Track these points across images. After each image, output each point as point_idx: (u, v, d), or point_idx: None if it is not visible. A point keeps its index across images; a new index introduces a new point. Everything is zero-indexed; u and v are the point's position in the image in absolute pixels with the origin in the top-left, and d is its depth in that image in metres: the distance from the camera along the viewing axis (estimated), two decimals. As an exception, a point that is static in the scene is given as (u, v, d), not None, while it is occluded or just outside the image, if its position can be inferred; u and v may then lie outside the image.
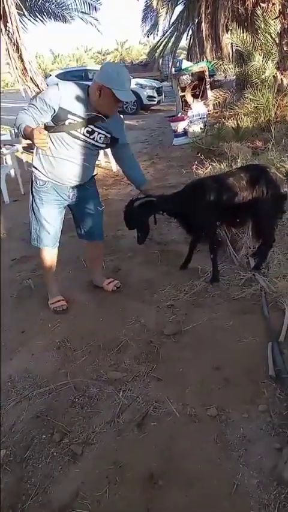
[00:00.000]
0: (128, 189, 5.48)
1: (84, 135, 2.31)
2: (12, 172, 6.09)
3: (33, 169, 2.49)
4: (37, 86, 3.44)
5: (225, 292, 2.79)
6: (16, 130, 2.17)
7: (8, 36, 4.12)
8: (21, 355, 2.40)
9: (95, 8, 8.50)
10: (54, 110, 2.18)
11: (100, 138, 2.38)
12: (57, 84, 2.24)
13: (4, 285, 3.21)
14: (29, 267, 3.54)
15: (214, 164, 4.79)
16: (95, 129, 2.33)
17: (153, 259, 3.41)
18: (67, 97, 2.19)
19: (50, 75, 14.88)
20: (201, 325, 2.45)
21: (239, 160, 4.57)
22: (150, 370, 2.14)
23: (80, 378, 2.15)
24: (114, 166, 6.54)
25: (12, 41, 4.35)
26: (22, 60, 4.73)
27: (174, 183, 5.20)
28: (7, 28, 3.59)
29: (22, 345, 2.48)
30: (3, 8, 2.94)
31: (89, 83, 2.27)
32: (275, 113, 7.29)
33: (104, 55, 48.75)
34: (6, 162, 6.08)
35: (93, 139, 2.36)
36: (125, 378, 2.11)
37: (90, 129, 2.31)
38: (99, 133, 2.35)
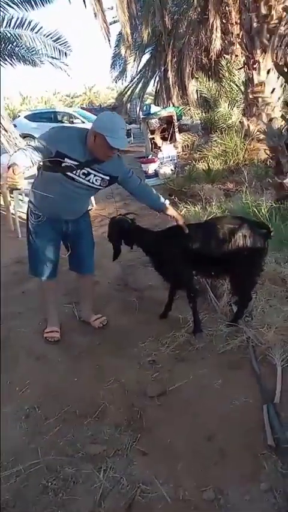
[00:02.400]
0: (101, 230, 5.32)
1: (79, 176, 2.36)
2: None
3: (29, 204, 2.63)
4: (5, 129, 3.30)
5: (209, 344, 2.61)
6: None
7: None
8: (-15, 426, 2.08)
9: (65, 53, 8.67)
10: (51, 152, 2.24)
11: (96, 180, 2.42)
12: (59, 128, 2.45)
13: None
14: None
15: (188, 207, 4.74)
16: (91, 171, 2.37)
17: (130, 307, 3.20)
18: (65, 141, 2.28)
19: (19, 115, 14.93)
20: (187, 384, 2.23)
21: (213, 203, 4.54)
22: (133, 441, 1.89)
23: (53, 454, 1.86)
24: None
25: None
26: None
27: (148, 225, 5.09)
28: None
29: (-15, 414, 2.17)
30: None
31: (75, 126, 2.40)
32: (243, 156, 7.48)
33: (72, 98, 49.96)
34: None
35: (88, 181, 2.39)
36: (105, 453, 1.85)
37: (86, 172, 2.36)
38: (95, 175, 2.39)
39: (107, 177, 2.42)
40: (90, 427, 2.02)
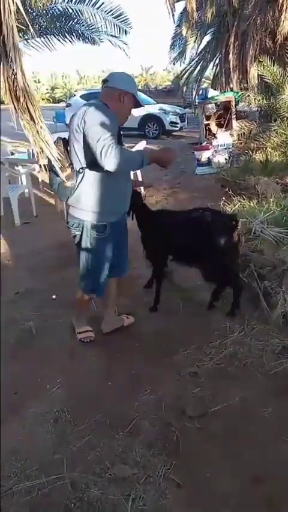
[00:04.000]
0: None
1: None
2: (26, 192, 5.79)
3: (87, 214, 2.21)
4: (32, 118, 3.06)
5: (258, 360, 2.34)
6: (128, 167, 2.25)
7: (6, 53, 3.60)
8: (10, 427, 1.96)
9: (125, 31, 8.34)
10: None
11: None
12: (93, 113, 2.04)
13: (1, 326, 2.79)
14: (32, 303, 3.14)
15: (243, 201, 4.40)
16: None
17: (173, 308, 2.98)
18: (104, 123, 2.02)
19: (75, 95, 14.88)
20: (232, 407, 2.00)
21: (271, 200, 4.17)
22: (168, 468, 1.69)
23: (79, 470, 1.70)
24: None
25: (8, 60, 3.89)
26: (16, 82, 4.33)
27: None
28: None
29: (12, 411, 2.05)
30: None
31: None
32: (305, 149, 6.94)
33: (128, 79, 49.57)
34: (21, 182, 5.79)
35: None
36: (135, 477, 1.66)
37: None
38: None
39: None
40: (120, 443, 1.84)
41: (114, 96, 2.12)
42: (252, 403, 2.01)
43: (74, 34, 9.59)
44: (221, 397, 2.06)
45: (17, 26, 2.24)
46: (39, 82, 40.30)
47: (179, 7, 13.86)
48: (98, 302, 2.91)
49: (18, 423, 1.98)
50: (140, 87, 28.68)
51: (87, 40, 9.91)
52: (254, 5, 12.33)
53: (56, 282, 3.44)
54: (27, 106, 2.34)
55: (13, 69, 2.20)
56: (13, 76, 2.26)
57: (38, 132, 2.41)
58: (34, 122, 2.37)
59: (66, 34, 9.46)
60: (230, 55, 13.57)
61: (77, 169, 2.14)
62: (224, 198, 4.50)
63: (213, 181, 6.70)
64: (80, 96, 13.79)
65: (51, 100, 39.35)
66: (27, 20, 2.52)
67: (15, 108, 2.36)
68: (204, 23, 13.41)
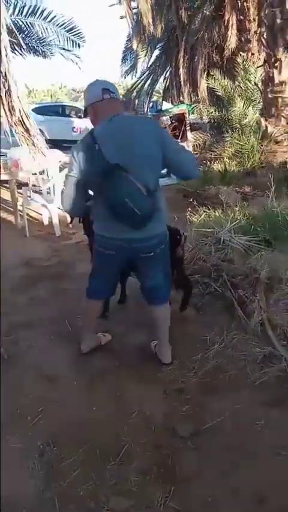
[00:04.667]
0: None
1: None
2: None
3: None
4: (27, 130, 2.96)
5: (242, 371, 2.33)
6: None
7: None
8: (-9, 466, 1.80)
9: (78, 45, 8.34)
10: None
11: None
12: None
13: None
14: (1, 327, 2.96)
15: (208, 211, 4.45)
16: None
17: (149, 323, 2.91)
18: None
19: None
20: (223, 422, 1.96)
21: (236, 208, 4.26)
22: (166, 496, 1.61)
23: (73, 508, 1.59)
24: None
25: (0, 72, 3.80)
26: (10, 95, 4.21)
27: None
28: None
29: (-8, 449, 1.89)
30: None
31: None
32: (260, 158, 7.20)
33: (78, 92, 49.53)
34: None
35: None
36: (133, 510, 1.57)
37: None
38: None
39: None
40: (113, 473, 1.74)
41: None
42: (243, 417, 1.98)
43: (23, 48, 9.43)
44: (211, 413, 2.02)
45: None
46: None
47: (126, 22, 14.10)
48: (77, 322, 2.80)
49: (-1, 461, 1.82)
50: (91, 100, 28.63)
51: (38, 53, 9.79)
52: (201, 21, 12.79)
53: (24, 303, 3.28)
54: (22, 119, 2.28)
55: (7, 83, 2.12)
56: (5, 89, 2.19)
57: (34, 143, 2.35)
58: (29, 134, 2.31)
59: (15, 47, 9.27)
60: (180, 69, 13.94)
61: (152, 189, 1.95)
62: (189, 209, 4.54)
63: (174, 192, 6.76)
64: (32, 110, 13.55)
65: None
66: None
67: (8, 121, 2.30)
68: (154, 38, 13.70)
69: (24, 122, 3.19)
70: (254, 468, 1.70)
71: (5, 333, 2.86)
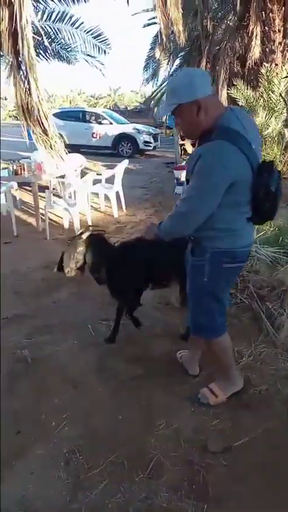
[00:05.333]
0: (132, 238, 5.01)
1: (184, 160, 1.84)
2: (4, 211, 5.57)
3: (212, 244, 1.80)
4: (44, 131, 2.92)
5: (273, 387, 2.25)
6: None
7: (19, 65, 3.52)
8: (17, 473, 1.76)
9: (104, 51, 8.40)
10: None
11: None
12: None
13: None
14: (23, 330, 2.93)
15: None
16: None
17: (175, 330, 2.86)
18: None
19: (47, 113, 14.76)
20: (256, 440, 1.88)
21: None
22: (199, 514, 1.55)
23: (102, 522, 1.53)
24: (116, 212, 6.11)
25: (22, 72, 3.80)
26: (30, 95, 4.22)
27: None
28: (19, 55, 3.08)
29: (17, 455, 1.85)
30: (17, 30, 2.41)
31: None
32: (282, 169, 7.12)
33: (96, 99, 50.08)
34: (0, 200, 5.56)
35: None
36: (165, 527, 1.51)
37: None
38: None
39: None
40: (142, 486, 1.68)
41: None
42: (276, 435, 1.90)
43: (49, 52, 9.55)
44: (242, 429, 1.95)
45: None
46: (6, 99, 39.96)
47: (153, 30, 14.21)
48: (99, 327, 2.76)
49: (24, 468, 1.78)
50: (109, 107, 29.02)
51: (62, 59, 9.89)
52: (225, 31, 12.82)
53: (47, 306, 3.25)
54: (40, 120, 2.22)
55: (27, 82, 2.08)
56: (25, 89, 2.14)
57: (51, 146, 2.29)
58: (47, 135, 2.26)
59: (41, 52, 9.40)
60: (202, 78, 13.97)
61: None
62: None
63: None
64: (53, 114, 13.68)
65: (18, 117, 38.99)
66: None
67: (26, 121, 2.23)
68: (177, 47, 13.77)
69: (42, 123, 3.16)
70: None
71: (28, 336, 2.84)
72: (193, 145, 10.37)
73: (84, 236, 2.56)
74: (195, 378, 2.35)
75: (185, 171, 7.45)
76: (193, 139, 1.78)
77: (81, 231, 2.54)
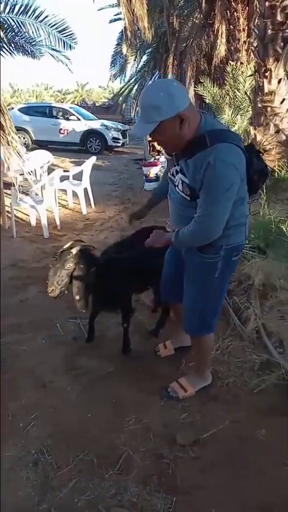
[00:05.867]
0: (102, 236, 4.99)
1: (173, 174, 1.77)
2: None
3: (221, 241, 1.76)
4: (2, 128, 2.79)
5: (240, 378, 2.31)
6: None
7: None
8: (-17, 476, 1.72)
9: (70, 46, 8.24)
10: None
11: (179, 183, 1.72)
12: None
13: None
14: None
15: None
16: (178, 169, 1.71)
17: (142, 328, 2.87)
18: None
19: (12, 108, 14.42)
20: (223, 431, 1.92)
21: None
22: (169, 507, 1.57)
23: (72, 520, 1.52)
24: (84, 209, 6.06)
25: None
26: None
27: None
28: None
29: (-16, 458, 1.81)
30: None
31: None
32: (248, 166, 7.27)
33: (64, 94, 49.37)
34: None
35: (175, 182, 1.76)
36: (136, 522, 1.52)
37: (175, 170, 1.74)
38: (180, 176, 1.70)
39: (187, 181, 1.65)
40: (112, 483, 1.69)
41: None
42: (243, 426, 1.95)
43: (13, 47, 9.30)
44: (211, 422, 1.98)
45: None
46: None
47: (120, 26, 14.12)
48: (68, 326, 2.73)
49: (-9, 471, 1.74)
50: (77, 103, 28.67)
51: (27, 53, 9.66)
52: (191, 28, 12.92)
53: (15, 306, 3.19)
54: None
55: None
56: None
57: (8, 142, 2.22)
58: (4, 131, 2.18)
59: (4, 46, 9.14)
60: (169, 75, 14.04)
61: None
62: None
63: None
64: (18, 109, 13.41)
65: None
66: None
67: None
68: (144, 43, 13.77)
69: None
70: (257, 479, 1.67)
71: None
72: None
73: (74, 251, 2.26)
74: (164, 374, 2.36)
75: (153, 167, 7.48)
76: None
77: (70, 243, 2.28)
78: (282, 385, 2.21)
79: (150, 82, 16.17)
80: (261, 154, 1.77)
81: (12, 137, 5.22)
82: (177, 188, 1.75)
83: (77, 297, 2.11)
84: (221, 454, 1.80)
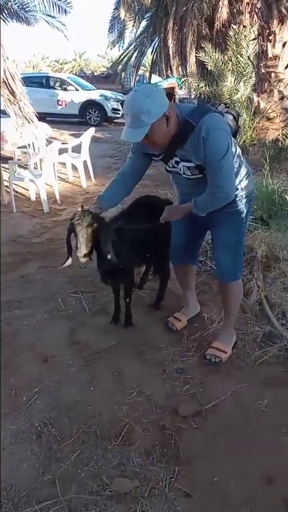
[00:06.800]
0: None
1: (174, 167, 1.95)
2: None
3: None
4: (13, 93, 2.68)
5: (242, 350, 2.30)
6: None
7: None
8: (-13, 449, 1.74)
9: (65, 11, 7.93)
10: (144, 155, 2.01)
11: (185, 170, 1.90)
12: None
13: None
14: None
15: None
16: (178, 160, 1.89)
17: (143, 301, 2.86)
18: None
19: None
20: (225, 402, 1.93)
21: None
22: (171, 476, 1.58)
23: (75, 491, 1.54)
24: (84, 182, 5.96)
25: None
26: None
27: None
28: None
29: (-13, 431, 1.82)
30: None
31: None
32: (251, 135, 7.08)
33: (61, 64, 47.99)
34: None
35: (180, 171, 1.94)
36: (138, 491, 1.53)
37: (175, 161, 1.92)
38: (182, 164, 1.89)
39: (192, 164, 1.84)
40: (115, 454, 1.70)
41: None
42: (245, 396, 1.95)
43: (5, 12, 8.96)
44: (213, 393, 1.99)
45: None
46: None
47: (116, -11, 13.47)
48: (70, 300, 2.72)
49: (-5, 444, 1.76)
50: (75, 73, 27.90)
51: (21, 20, 9.33)
52: (192, -10, 12.33)
53: (15, 281, 3.17)
54: (7, 81, 2.04)
55: None
56: None
57: (20, 108, 2.12)
58: (15, 97, 2.09)
59: (-2, 12, 8.78)
60: (169, 41, 13.52)
61: None
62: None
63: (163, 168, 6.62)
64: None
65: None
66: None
67: None
68: (142, 7, 13.20)
69: (9, 84, 2.90)
70: (259, 448, 1.68)
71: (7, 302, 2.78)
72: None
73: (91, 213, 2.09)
74: (166, 347, 2.35)
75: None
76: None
77: (80, 204, 2.21)
78: (284, 356, 2.21)
79: (149, 49, 15.61)
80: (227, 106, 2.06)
81: (24, 103, 4.93)
82: (184, 175, 1.92)
83: (84, 252, 2.01)
84: (223, 424, 1.81)
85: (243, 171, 1.97)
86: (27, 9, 9.05)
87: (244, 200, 2.01)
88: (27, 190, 5.40)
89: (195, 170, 1.86)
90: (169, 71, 14.54)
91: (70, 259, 2.19)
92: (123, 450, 1.72)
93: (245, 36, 9.40)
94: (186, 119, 1.74)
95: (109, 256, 2.03)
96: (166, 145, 1.83)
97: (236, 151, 1.90)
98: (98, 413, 1.91)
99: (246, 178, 2.00)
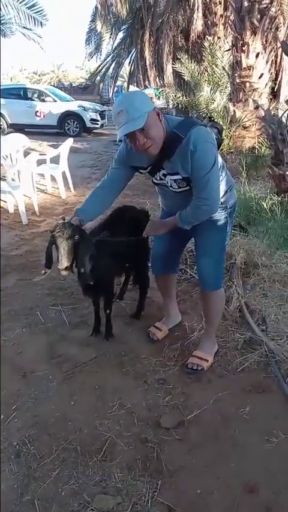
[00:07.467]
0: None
1: (161, 180, 1.96)
2: None
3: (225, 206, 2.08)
4: None
5: (223, 358, 2.30)
6: None
7: None
8: None
9: (41, 23, 7.94)
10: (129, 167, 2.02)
11: (172, 183, 1.91)
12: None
13: None
14: None
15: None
16: (165, 173, 1.90)
17: (124, 312, 2.83)
18: (130, 153, 1.93)
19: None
20: (208, 411, 1.91)
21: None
22: (154, 490, 1.55)
23: (55, 510, 1.49)
24: (63, 193, 5.93)
25: None
26: None
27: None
28: None
29: None
30: None
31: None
32: (228, 144, 7.19)
33: (39, 76, 48.00)
34: None
35: (167, 184, 1.94)
36: (120, 507, 1.50)
37: (162, 174, 1.93)
38: (169, 177, 1.90)
39: (179, 177, 1.85)
40: (96, 469, 1.66)
41: None
42: (227, 405, 1.94)
43: (-19, 25, 8.92)
44: (195, 402, 1.97)
45: None
46: None
47: (93, 1, 13.63)
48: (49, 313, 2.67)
49: (-28, 465, 1.70)
50: (53, 84, 27.89)
51: (-3, 32, 9.28)
52: (167, 3, 12.54)
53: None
54: None
55: None
56: None
57: None
58: None
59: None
60: (146, 52, 13.69)
61: None
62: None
63: (143, 178, 6.65)
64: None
65: None
66: None
67: None
68: (119, 19, 13.35)
69: None
70: (242, 457, 1.66)
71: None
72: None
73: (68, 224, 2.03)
74: (146, 357, 2.33)
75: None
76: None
77: (62, 216, 2.15)
78: (265, 362, 2.21)
79: (126, 60, 15.74)
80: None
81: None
82: (171, 188, 1.93)
83: (66, 265, 1.96)
84: (206, 434, 1.79)
85: (227, 183, 2.02)
86: (2, 21, 9.00)
87: (229, 210, 2.06)
88: (5, 202, 5.33)
89: (182, 183, 1.87)
90: (147, 82, 14.73)
91: (47, 271, 2.15)
92: (104, 466, 1.68)
93: (220, 47, 9.61)
94: (174, 131, 1.74)
95: (82, 270, 1.99)
96: (158, 151, 1.77)
97: (221, 164, 1.93)
98: (79, 429, 1.87)
99: (230, 190, 2.05)
